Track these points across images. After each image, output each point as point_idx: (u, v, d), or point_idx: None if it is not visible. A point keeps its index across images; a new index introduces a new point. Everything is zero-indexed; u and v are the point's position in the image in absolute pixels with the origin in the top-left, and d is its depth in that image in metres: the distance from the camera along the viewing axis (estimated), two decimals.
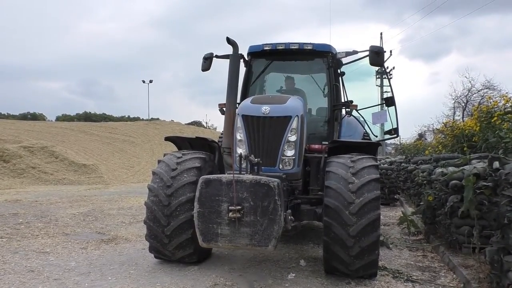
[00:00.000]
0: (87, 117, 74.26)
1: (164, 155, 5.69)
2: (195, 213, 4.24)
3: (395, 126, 6.96)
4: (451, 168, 7.11)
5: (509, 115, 7.46)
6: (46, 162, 18.33)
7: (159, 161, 5.52)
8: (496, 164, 4.17)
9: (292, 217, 4.44)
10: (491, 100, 8.20)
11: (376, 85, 32.18)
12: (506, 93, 26.17)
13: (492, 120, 7.13)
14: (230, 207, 4.08)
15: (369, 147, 5.64)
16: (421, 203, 7.55)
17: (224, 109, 7.46)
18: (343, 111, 7.02)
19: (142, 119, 58.46)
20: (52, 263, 5.28)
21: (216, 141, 6.26)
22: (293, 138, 5.34)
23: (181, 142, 6.16)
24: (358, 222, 4.56)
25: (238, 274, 5.04)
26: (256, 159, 4.77)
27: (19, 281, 4.53)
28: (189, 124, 51.81)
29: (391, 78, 30.79)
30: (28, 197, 11.93)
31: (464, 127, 9.08)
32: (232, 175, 4.20)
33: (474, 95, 27.42)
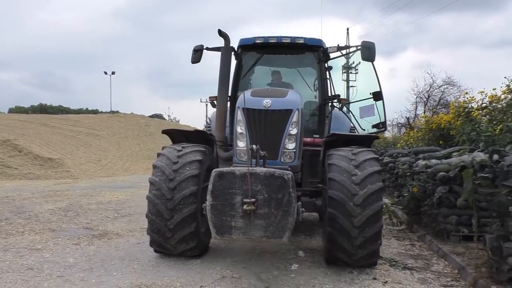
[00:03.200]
0: (42, 109, 71.29)
1: (163, 148, 5.62)
2: (207, 206, 4.23)
3: (382, 120, 7.17)
4: (433, 161, 7.42)
5: (486, 110, 7.84)
6: (9, 156, 17.54)
7: (158, 154, 5.45)
8: (496, 156, 4.39)
9: (303, 208, 4.52)
10: (468, 96, 8.62)
11: (343, 80, 32.75)
12: (466, 89, 27.40)
13: (473, 115, 7.47)
14: (244, 200, 4.10)
15: (365, 140, 5.79)
16: (404, 195, 7.82)
17: (215, 102, 7.48)
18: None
19: (102, 112, 56.88)
20: (49, 260, 5.12)
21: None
22: (294, 131, 5.41)
23: (177, 136, 6.10)
24: (362, 213, 4.69)
25: (242, 267, 5.07)
26: (263, 152, 4.81)
27: (21, 279, 4.37)
28: (151, 116, 50.88)
29: (357, 73, 31.40)
30: None
31: (440, 121, 9.46)
32: (246, 167, 4.21)
33: (435, 91, 28.53)
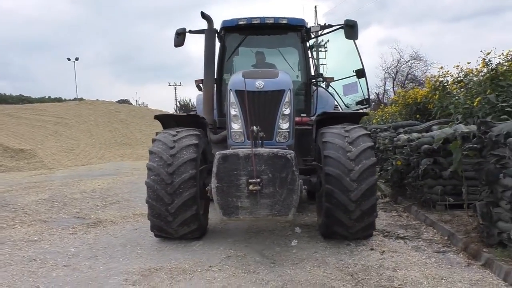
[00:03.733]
0: (1, 99, 68.69)
1: (157, 133, 5.62)
2: (213, 188, 4.31)
3: (366, 97, 7.36)
4: (415, 134, 7.71)
5: (462, 83, 8.16)
6: None
7: (153, 140, 5.45)
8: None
9: (305, 186, 4.65)
10: (442, 71, 8.93)
11: (312, 58, 32.90)
12: (432, 63, 28.10)
13: (451, 89, 7.77)
14: (249, 180, 4.20)
15: (354, 117, 5.95)
16: (388, 168, 8.10)
17: (201, 85, 7.48)
18: None
19: (65, 100, 55.29)
20: (50, 250, 5.09)
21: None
22: (287, 111, 5.51)
23: (167, 121, 6.09)
24: (358, 187, 4.88)
25: (243, 245, 5.20)
26: (261, 134, 4.90)
27: (27, 271, 4.35)
28: (118, 102, 49.87)
29: (326, 51, 31.62)
30: None
31: (416, 96, 9.76)
32: (249, 149, 4.30)
33: (403, 66, 29.17)
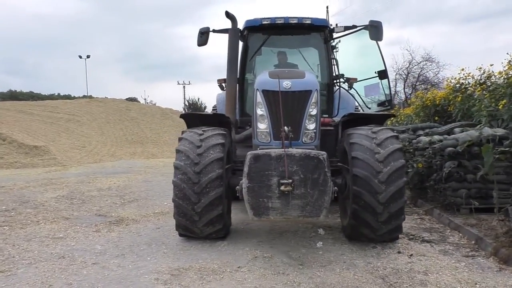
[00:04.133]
0: (12, 96, 69.20)
1: (183, 132, 5.62)
2: (244, 188, 4.29)
3: (388, 98, 7.31)
4: (436, 137, 7.64)
5: (483, 85, 8.08)
6: None
7: (180, 139, 5.44)
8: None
9: (336, 187, 4.63)
10: (464, 72, 8.86)
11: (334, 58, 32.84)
12: (444, 65, 27.90)
13: (476, 91, 7.70)
14: (281, 181, 4.18)
15: (380, 118, 5.91)
16: (408, 171, 8.03)
17: (224, 84, 7.47)
18: None
19: (74, 97, 55.63)
20: (77, 248, 5.11)
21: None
22: (313, 111, 5.48)
23: (191, 120, 6.09)
24: (387, 189, 4.84)
25: (269, 246, 5.18)
26: (291, 134, 4.88)
27: (57, 268, 4.36)
28: (126, 100, 50.11)
29: (337, 51, 31.49)
30: None
31: (435, 98, 9.69)
32: (281, 149, 4.29)
33: (415, 67, 29.00)
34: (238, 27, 6.83)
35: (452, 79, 9.51)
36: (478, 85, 8.14)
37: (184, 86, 58.72)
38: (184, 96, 58.63)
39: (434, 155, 7.14)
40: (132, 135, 25.09)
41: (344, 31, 7.08)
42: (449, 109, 8.89)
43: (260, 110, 5.50)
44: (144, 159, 19.62)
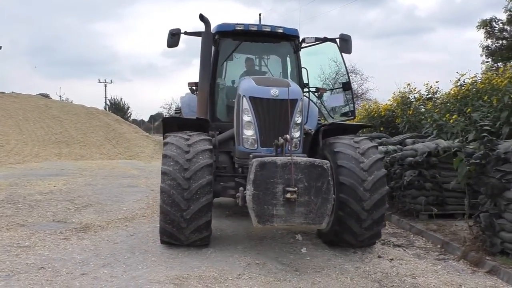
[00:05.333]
0: None
1: (166, 136, 5.44)
2: (248, 196, 4.27)
3: (352, 109, 7.67)
4: (391, 147, 8.16)
5: (430, 101, 8.78)
6: None
7: (165, 143, 5.26)
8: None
9: (334, 195, 4.76)
10: (410, 87, 9.59)
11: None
12: (367, 77, 29.62)
13: (427, 106, 8.34)
14: (287, 189, 4.23)
15: (356, 129, 6.20)
16: None
17: (194, 88, 7.34)
18: None
19: None
20: (52, 257, 4.70)
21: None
22: (299, 120, 5.60)
23: (169, 124, 5.94)
24: (371, 197, 5.10)
25: (255, 253, 5.20)
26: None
27: (44, 280, 3.99)
28: (38, 95, 46.70)
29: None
30: None
31: (381, 110, 10.33)
32: (287, 157, 4.33)
33: (341, 78, 30.41)
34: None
35: (398, 92, 10.21)
36: (425, 100, 8.85)
37: (105, 85, 56.10)
38: (106, 95, 56.05)
39: (391, 164, 7.60)
40: (56, 134, 23.39)
41: (315, 42, 7.29)
42: (395, 121, 9.52)
43: (247, 117, 5.49)
44: (73, 160, 18.42)
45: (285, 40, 7.26)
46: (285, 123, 5.50)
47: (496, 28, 19.95)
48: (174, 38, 6.90)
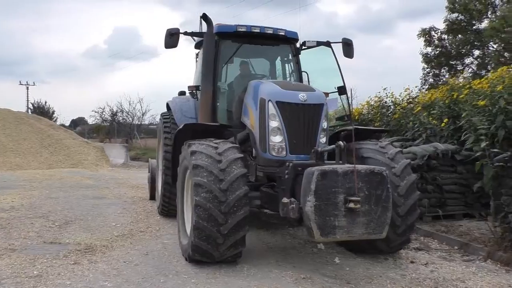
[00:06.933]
0: None
1: (190, 145, 4.98)
2: (310, 207, 3.99)
3: (347, 113, 7.63)
4: None
5: (405, 104, 9.06)
6: None
7: (193, 153, 4.81)
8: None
9: None
10: (387, 91, 9.84)
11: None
12: None
13: (415, 110, 8.54)
14: (350, 198, 4.02)
15: (372, 133, 6.14)
16: None
17: (195, 92, 6.92)
18: None
19: None
20: (78, 287, 4.10)
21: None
22: (325, 125, 5.42)
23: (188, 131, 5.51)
24: (405, 202, 5.05)
25: (292, 266, 4.92)
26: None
27: None
28: None
29: None
30: None
31: (355, 113, 10.46)
32: (347, 166, 4.12)
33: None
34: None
35: (374, 97, 10.42)
36: (407, 103, 9.11)
37: (27, 87, 51.88)
38: (28, 98, 51.84)
39: None
40: None
41: (316, 46, 7.15)
42: (375, 125, 9.68)
43: (275, 122, 5.20)
44: (9, 170, 16.70)
45: (285, 43, 7.06)
46: (313, 128, 5.30)
47: (435, 37, 21.29)
48: (172, 38, 6.43)
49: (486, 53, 21.51)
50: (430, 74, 21.94)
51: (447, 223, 6.75)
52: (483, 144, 5.58)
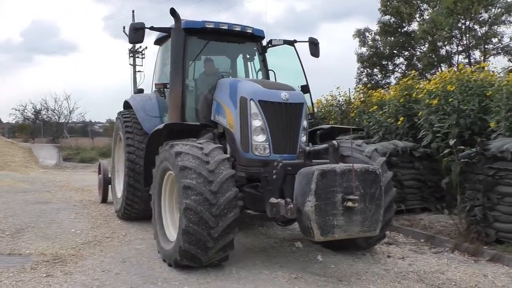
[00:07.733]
0: None
1: (171, 145, 4.76)
2: (310, 207, 3.97)
3: (311, 111, 7.73)
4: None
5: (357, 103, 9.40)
6: None
7: (178, 153, 4.59)
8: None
9: None
10: (339, 90, 10.14)
11: (130, 64, 31.49)
12: None
13: (371, 109, 8.84)
14: (348, 197, 4.05)
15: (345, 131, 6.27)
16: None
17: (163, 89, 6.66)
18: None
19: None
20: None
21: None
22: (305, 124, 5.44)
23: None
24: (384, 199, 5.18)
25: (279, 266, 4.89)
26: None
27: None
28: None
29: (144, 57, 30.78)
30: None
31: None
32: (344, 165, 4.15)
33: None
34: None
35: (327, 95, 10.68)
36: (362, 102, 9.45)
37: None
38: None
39: None
40: None
41: (283, 44, 7.14)
42: (329, 123, 9.91)
43: (258, 121, 5.12)
44: None
45: (251, 41, 7.00)
46: (295, 127, 5.29)
47: (369, 38, 22.31)
48: (137, 33, 6.11)
49: (414, 54, 22.97)
50: (364, 73, 23.02)
51: (408, 217, 7.08)
52: (452, 142, 5.88)
